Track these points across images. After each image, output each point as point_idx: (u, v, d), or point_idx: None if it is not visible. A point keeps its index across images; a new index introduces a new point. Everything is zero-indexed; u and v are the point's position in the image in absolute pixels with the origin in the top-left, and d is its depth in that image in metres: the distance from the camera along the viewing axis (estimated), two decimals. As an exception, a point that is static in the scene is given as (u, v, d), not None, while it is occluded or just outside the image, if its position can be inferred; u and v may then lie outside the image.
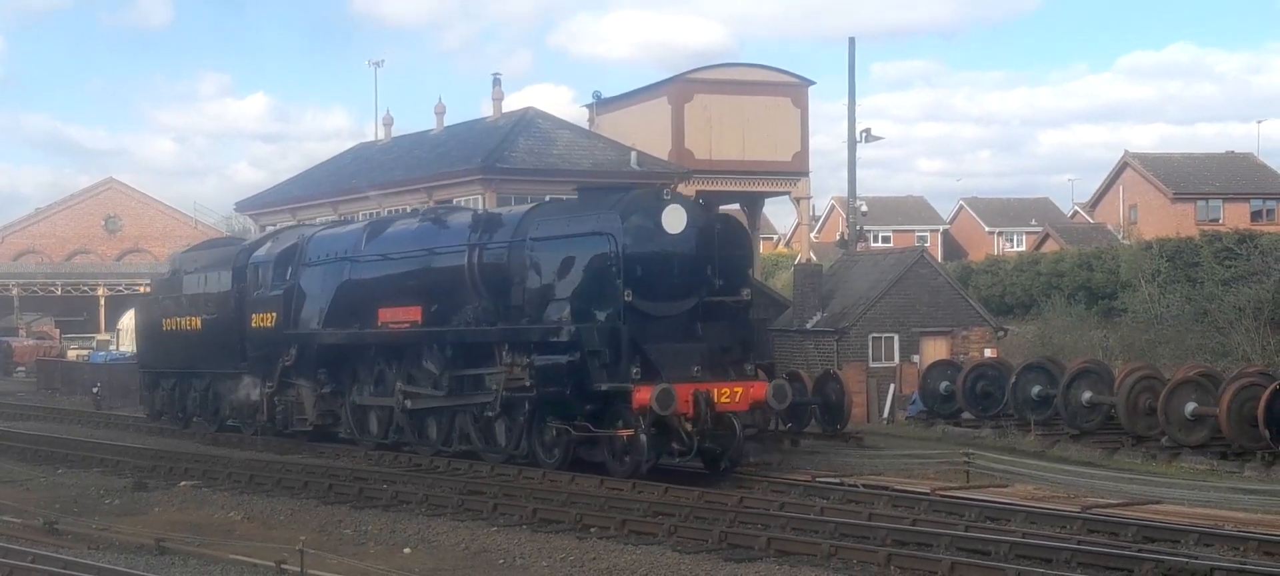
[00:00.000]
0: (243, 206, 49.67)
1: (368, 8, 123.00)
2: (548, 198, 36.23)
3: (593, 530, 17.66)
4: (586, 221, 21.78)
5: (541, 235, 22.37)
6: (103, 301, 67.73)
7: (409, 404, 24.87)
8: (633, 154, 38.42)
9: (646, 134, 41.03)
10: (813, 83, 42.95)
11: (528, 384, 21.85)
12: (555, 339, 21.39)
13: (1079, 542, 15.69)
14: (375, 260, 26.03)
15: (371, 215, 37.77)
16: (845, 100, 39.88)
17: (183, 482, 23.17)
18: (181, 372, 32.48)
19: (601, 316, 21.08)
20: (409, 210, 26.93)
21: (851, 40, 42.94)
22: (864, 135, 44.21)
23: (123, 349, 48.84)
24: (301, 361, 27.56)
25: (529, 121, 39.82)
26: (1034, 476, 22.37)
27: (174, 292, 32.66)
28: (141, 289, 57.89)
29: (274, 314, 28.21)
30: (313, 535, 18.17)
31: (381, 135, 47.71)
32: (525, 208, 24.15)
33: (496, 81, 42.62)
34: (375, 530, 18.50)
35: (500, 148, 37.65)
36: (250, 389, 29.19)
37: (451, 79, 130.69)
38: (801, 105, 42.59)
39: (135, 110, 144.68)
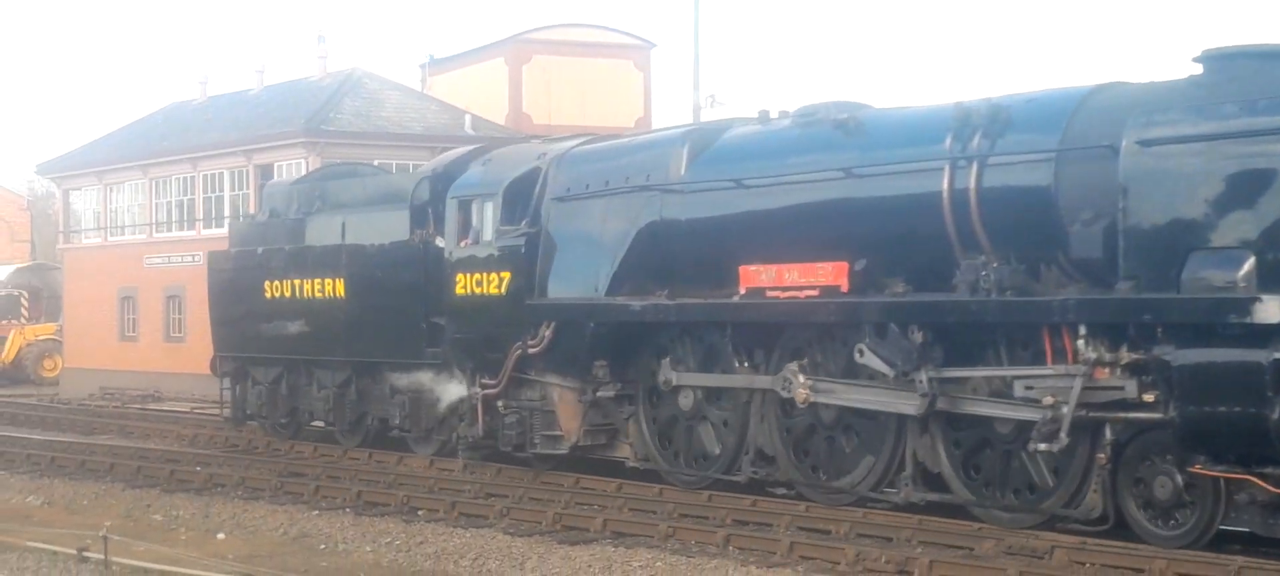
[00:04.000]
0: (45, 169, 48.35)
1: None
2: (376, 163, 36.05)
3: (421, 512, 17.62)
4: None
5: (1169, 133, 13.32)
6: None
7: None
8: (467, 117, 38.23)
9: (482, 97, 40.84)
10: (654, 45, 43.13)
11: (1148, 398, 13.42)
12: (1238, 319, 12.61)
13: None
14: (720, 190, 17.15)
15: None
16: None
17: (-24, 466, 22.49)
18: (295, 360, 23.53)
19: None
20: (764, 114, 17.86)
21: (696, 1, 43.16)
22: (709, 100, 44.45)
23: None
24: (560, 348, 18.71)
25: (356, 82, 39.38)
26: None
27: (284, 243, 23.59)
28: None
29: (504, 275, 19.42)
30: (119, 520, 17.87)
31: (198, 95, 46.78)
32: (1076, 89, 15.01)
33: (321, 38, 42.08)
34: (187, 515, 18.25)
35: (324, 109, 37.18)
36: (444, 388, 20.65)
37: (274, 35, 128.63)
38: (644, 68, 42.74)
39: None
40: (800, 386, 16.24)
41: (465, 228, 20.01)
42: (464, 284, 19.88)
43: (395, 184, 22.79)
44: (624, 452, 18.83)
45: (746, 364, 17.07)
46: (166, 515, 18.36)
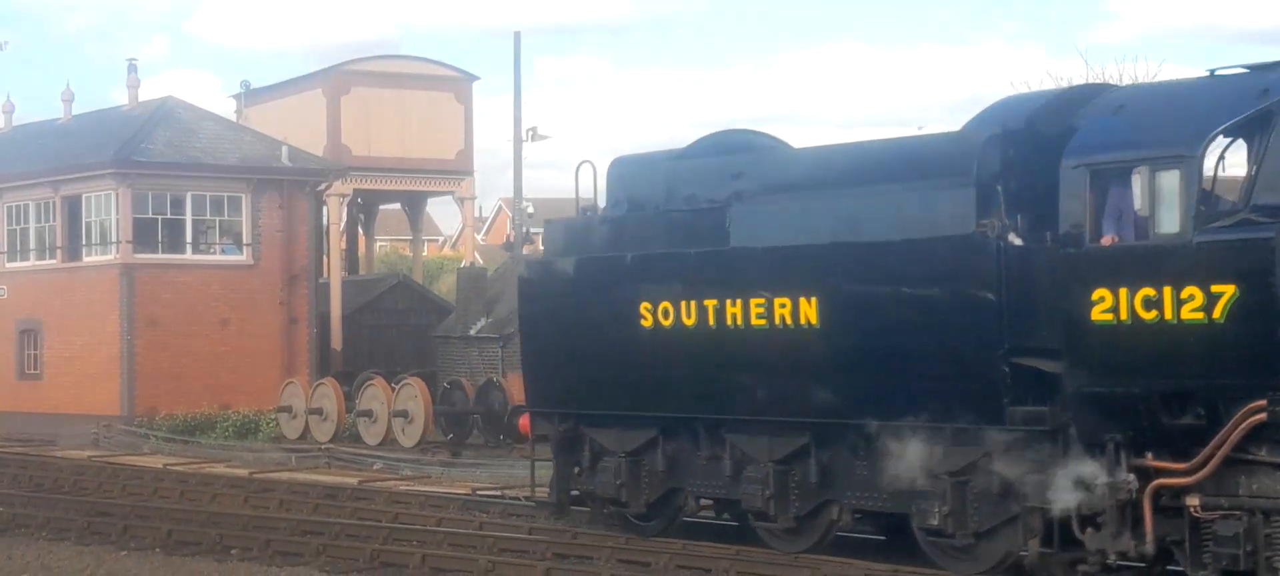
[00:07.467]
0: None
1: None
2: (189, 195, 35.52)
3: (234, 551, 17.43)
4: None
5: None
6: None
7: None
8: (284, 148, 37.83)
9: (300, 127, 40.42)
10: (476, 78, 43.20)
11: None
12: None
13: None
14: None
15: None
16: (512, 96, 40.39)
17: None
18: (691, 421, 16.54)
19: None
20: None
21: (517, 35, 43.37)
22: (530, 133, 44.71)
23: None
24: None
25: (168, 111, 38.70)
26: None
27: (683, 246, 16.51)
28: None
29: (1219, 289, 12.59)
30: (-86, 565, 17.34)
31: (2, 124, 45.55)
32: None
33: (132, 67, 41.27)
34: (-12, 558, 17.80)
35: (136, 138, 36.48)
36: (1037, 471, 13.75)
37: (82, 64, 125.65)
38: (465, 101, 42.73)
39: None
40: None
41: (1101, 211, 13.32)
42: (1111, 304, 13.04)
43: (923, 150, 15.41)
44: None
45: None
46: (-34, 558, 17.88)
